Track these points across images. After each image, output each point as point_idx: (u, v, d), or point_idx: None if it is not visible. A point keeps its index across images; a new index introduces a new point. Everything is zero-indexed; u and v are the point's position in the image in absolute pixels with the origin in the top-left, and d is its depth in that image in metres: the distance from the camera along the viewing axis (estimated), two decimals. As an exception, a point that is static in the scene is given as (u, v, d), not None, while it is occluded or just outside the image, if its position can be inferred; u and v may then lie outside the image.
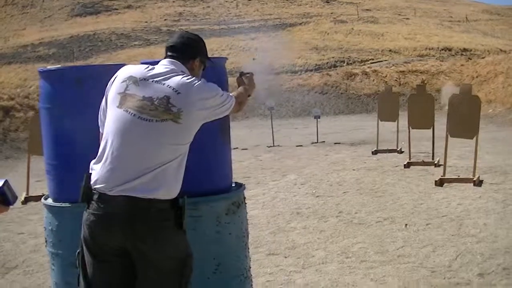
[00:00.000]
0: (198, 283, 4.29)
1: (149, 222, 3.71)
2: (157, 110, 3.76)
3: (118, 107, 3.83)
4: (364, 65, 39.12)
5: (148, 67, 3.98)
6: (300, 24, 56.16)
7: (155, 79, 3.87)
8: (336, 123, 28.48)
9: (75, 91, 4.57)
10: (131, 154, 3.74)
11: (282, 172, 14.91)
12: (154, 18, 60.79)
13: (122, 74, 3.96)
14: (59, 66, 5.26)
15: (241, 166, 16.33)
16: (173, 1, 66.35)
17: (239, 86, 4.45)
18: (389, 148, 17.08)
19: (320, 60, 40.21)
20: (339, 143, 21.02)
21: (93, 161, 3.86)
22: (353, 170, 14.40)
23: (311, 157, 17.50)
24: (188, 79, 3.89)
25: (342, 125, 27.65)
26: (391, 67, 38.28)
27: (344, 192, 11.64)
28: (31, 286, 7.21)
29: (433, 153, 14.64)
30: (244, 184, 5.02)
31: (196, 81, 3.90)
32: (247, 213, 4.94)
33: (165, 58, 4.11)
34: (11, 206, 3.03)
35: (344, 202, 10.77)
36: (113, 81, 3.98)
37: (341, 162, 15.93)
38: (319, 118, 22.22)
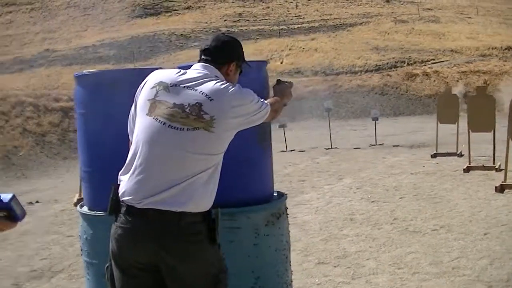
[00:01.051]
0: (236, 298, 4.11)
1: (179, 237, 3.49)
2: (188, 118, 3.53)
3: (147, 114, 3.61)
4: (425, 65, 38.55)
5: (180, 71, 3.76)
6: (360, 24, 55.63)
7: (187, 85, 3.64)
8: (395, 125, 28.04)
9: (109, 95, 4.41)
10: (160, 165, 3.52)
11: (338, 176, 14.66)
12: (213, 19, 60.84)
13: (152, 79, 3.75)
14: (94, 70, 5.08)
15: (297, 169, 16.20)
16: (233, 2, 66.27)
17: (274, 95, 4.21)
18: (449, 151, 16.63)
19: (380, 60, 39.78)
20: (397, 145, 20.65)
21: (121, 171, 3.67)
22: (411, 174, 14.07)
23: (369, 160, 17.21)
24: (222, 84, 3.66)
25: (402, 127, 27.20)
26: (452, 67, 37.65)
27: (401, 198, 11.33)
28: (73, 292, 7.10)
29: (494, 157, 14.20)
30: (286, 194, 4.78)
31: (231, 87, 3.67)
32: (288, 224, 4.70)
33: (198, 61, 3.88)
34: (19, 222, 2.85)
35: (399, 208, 10.47)
36: (143, 86, 3.77)
37: (398, 166, 15.60)
38: (377, 120, 21.85)
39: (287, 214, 4.68)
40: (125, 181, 3.60)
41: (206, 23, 59.21)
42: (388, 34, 49.56)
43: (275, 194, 4.79)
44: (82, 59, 45.44)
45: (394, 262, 7.47)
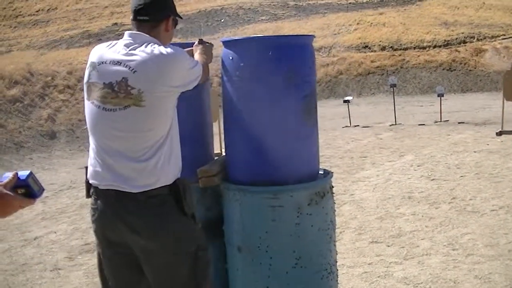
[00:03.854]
0: (276, 277, 4.10)
1: (141, 211, 3.45)
2: (118, 97, 3.39)
3: (87, 99, 3.53)
4: (495, 41, 37.77)
5: (110, 44, 3.55)
6: (430, -2, 54.80)
7: (113, 59, 3.45)
8: (463, 101, 27.58)
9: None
10: (107, 149, 3.48)
11: (400, 153, 14.48)
12: (281, -7, 60.62)
13: (89, 59, 3.58)
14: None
15: (359, 145, 16.10)
16: (302, -25, 65.91)
17: (199, 54, 3.94)
18: (515, 129, 16.26)
19: (449, 35, 39.13)
20: (463, 122, 20.26)
21: None
22: (474, 152, 13.79)
23: (432, 137, 16.95)
24: (144, 52, 3.41)
25: (469, 103, 26.73)
26: (523, 43, 36.84)
27: (461, 176, 11.11)
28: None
29: (561, 136, 13.84)
30: (332, 172, 4.65)
31: (156, 53, 3.41)
32: (334, 203, 4.60)
33: (132, 21, 3.63)
34: (37, 199, 2.86)
35: (459, 187, 10.25)
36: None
37: (462, 143, 15.31)
38: (442, 96, 21.56)
39: (333, 193, 4.58)
40: (89, 164, 3.59)
41: (274, -4, 58.98)
42: (458, 8, 48.69)
43: (320, 172, 4.68)
44: (150, 33, 45.78)
45: (449, 242, 7.31)
